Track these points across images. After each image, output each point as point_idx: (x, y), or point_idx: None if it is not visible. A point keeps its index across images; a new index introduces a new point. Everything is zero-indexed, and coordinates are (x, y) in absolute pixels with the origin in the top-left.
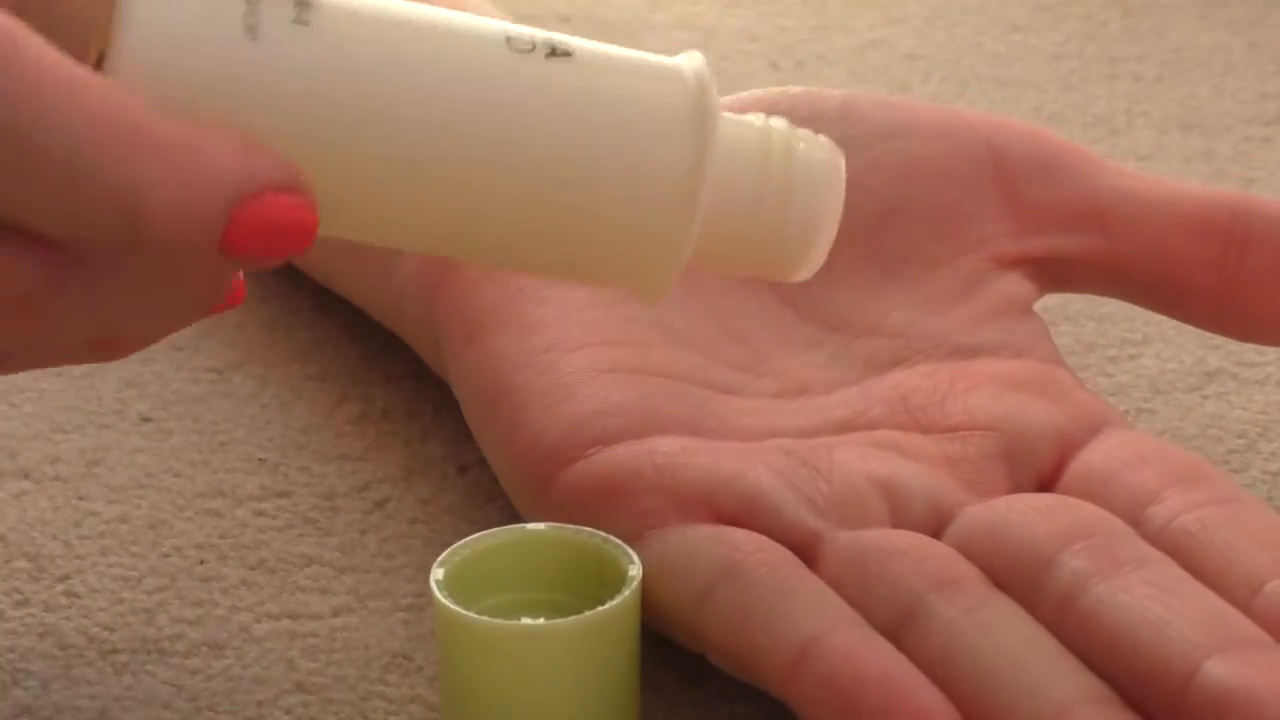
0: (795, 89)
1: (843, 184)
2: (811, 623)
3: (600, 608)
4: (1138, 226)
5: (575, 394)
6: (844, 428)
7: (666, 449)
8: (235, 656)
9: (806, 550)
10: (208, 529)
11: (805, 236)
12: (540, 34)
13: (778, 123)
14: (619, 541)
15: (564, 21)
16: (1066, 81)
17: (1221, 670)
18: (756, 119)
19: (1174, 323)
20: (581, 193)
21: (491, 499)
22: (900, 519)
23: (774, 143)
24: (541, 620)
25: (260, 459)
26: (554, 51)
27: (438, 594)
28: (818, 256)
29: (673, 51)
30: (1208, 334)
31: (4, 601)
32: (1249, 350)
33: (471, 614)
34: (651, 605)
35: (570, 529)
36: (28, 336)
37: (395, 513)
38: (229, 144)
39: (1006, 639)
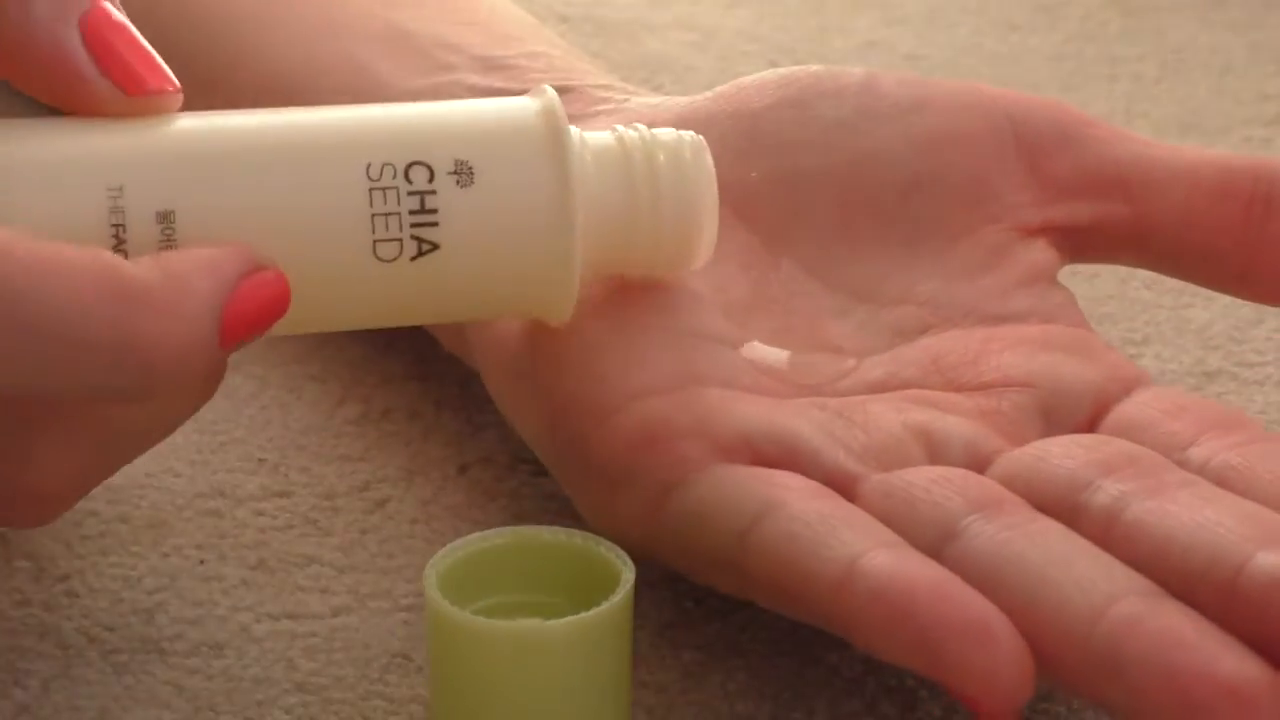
0: (815, 65)
1: (713, 175)
2: (856, 543)
3: (594, 609)
4: (1160, 192)
5: (609, 352)
6: (877, 389)
7: (704, 399)
8: (235, 656)
9: (846, 492)
10: (208, 529)
11: (688, 235)
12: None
13: (631, 133)
14: (611, 545)
15: (563, 21)
16: (1067, 82)
17: (1274, 559)
18: (610, 135)
19: (1174, 323)
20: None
21: (493, 499)
22: (938, 464)
23: (636, 160)
24: (536, 621)
25: (260, 459)
26: (420, 251)
27: (431, 593)
28: (706, 247)
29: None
30: (1208, 334)
31: (4, 601)
32: (1249, 350)
33: (466, 613)
34: (692, 549)
35: (563, 532)
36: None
37: (395, 513)
38: (198, 255)
39: (1052, 546)
